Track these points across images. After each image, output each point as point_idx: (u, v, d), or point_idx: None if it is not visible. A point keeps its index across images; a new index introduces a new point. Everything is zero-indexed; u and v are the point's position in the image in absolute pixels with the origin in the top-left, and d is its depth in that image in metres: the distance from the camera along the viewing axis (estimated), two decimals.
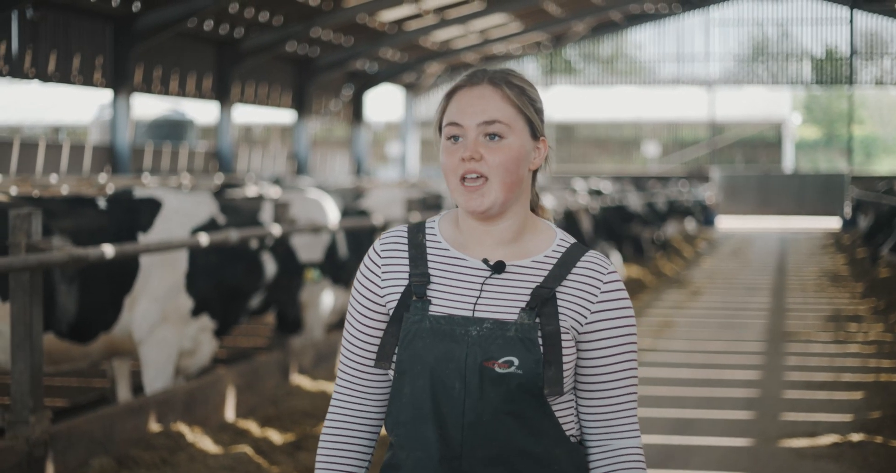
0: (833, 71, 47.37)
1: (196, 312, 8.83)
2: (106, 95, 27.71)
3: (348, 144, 43.91)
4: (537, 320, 3.03)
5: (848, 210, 42.36)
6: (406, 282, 3.11)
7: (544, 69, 50.80)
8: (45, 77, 24.32)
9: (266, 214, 10.99)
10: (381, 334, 3.15)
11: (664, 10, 47.36)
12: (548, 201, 18.47)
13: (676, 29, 48.93)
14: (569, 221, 18.44)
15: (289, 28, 31.23)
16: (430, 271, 3.11)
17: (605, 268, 3.11)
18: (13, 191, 13.71)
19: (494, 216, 3.10)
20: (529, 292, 3.06)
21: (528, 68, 51.14)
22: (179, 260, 8.78)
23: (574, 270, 3.09)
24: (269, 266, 9.33)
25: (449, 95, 3.14)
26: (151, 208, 8.89)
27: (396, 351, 3.07)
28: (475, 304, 3.06)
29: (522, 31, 42.75)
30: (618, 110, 53.20)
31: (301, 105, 36.57)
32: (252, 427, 8.84)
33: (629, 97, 52.54)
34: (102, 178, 20.56)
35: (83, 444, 7.35)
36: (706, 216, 39.27)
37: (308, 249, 11.15)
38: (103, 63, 25.99)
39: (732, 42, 48.84)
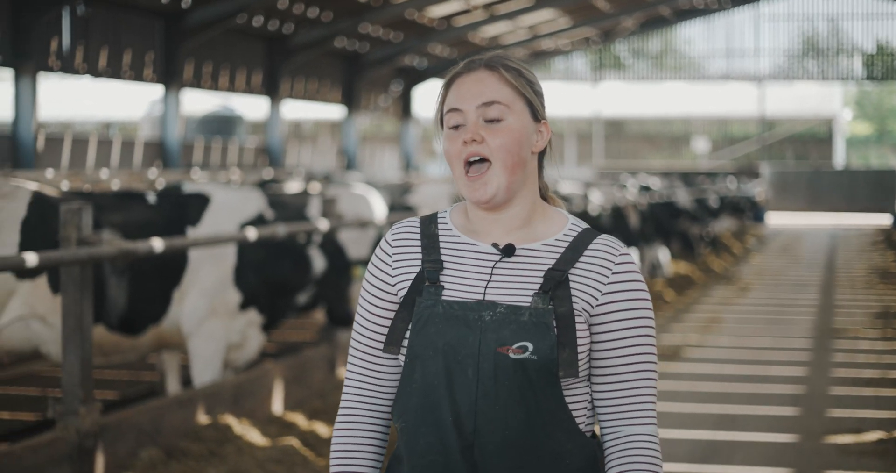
0: (884, 66, 47.10)
1: (244, 306, 8.92)
2: (156, 90, 27.94)
3: (397, 139, 44.03)
4: (551, 304, 2.99)
5: None
6: (418, 269, 3.09)
7: (593, 65, 50.76)
8: (96, 73, 24.56)
9: (313, 209, 11.08)
10: (389, 322, 3.13)
11: (713, 5, 47.20)
12: (595, 196, 18.50)
13: (726, 24, 48.78)
14: (616, 217, 18.43)
15: (338, 24, 31.36)
16: (443, 258, 3.09)
17: (616, 250, 3.07)
18: (65, 186, 13.86)
19: (501, 204, 3.07)
20: (541, 275, 3.03)
21: (577, 64, 51.12)
22: (227, 254, 8.87)
23: (586, 252, 3.05)
24: (318, 262, 9.40)
25: (447, 85, 3.13)
26: (200, 203, 9.00)
27: (408, 336, 3.04)
28: (486, 288, 3.02)
29: (571, 27, 42.72)
30: (667, 106, 53.04)
31: (350, 101, 36.70)
32: (299, 419, 8.92)
33: (678, 93, 52.39)
34: (153, 173, 20.74)
35: (132, 435, 7.46)
36: (756, 213, 39.11)
37: (355, 244, 11.23)
38: (154, 59, 26.21)
39: (782, 37, 48.66)
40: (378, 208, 12.13)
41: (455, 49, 41.24)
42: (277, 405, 9.29)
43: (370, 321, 3.15)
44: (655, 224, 21.07)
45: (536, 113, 3.12)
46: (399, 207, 13.58)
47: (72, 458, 6.82)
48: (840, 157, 53.67)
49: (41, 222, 7.90)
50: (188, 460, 7.55)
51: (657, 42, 50.87)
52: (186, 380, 9.91)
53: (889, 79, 47.62)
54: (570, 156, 53.03)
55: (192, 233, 8.82)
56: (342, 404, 3.19)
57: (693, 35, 49.74)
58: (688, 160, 53.22)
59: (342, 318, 9.75)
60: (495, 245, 3.06)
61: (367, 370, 3.17)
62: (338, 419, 3.19)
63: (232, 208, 9.08)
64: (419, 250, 3.12)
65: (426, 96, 46.37)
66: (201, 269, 8.73)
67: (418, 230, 3.15)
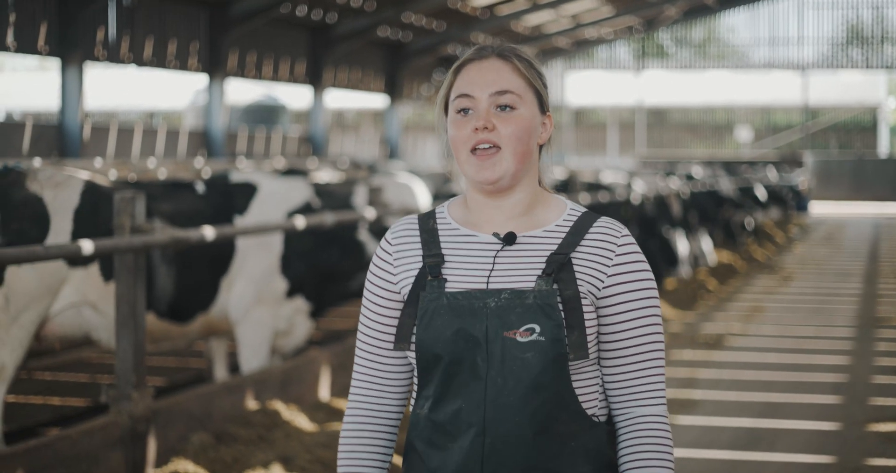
0: None
1: (290, 293, 9.04)
2: (201, 80, 28.14)
3: None
4: (555, 286, 3.00)
5: None
6: (419, 265, 3.10)
7: (636, 53, 50.67)
8: (141, 62, 24.78)
9: (359, 198, 11.18)
10: (395, 321, 3.15)
11: None
12: (638, 185, 18.53)
13: (770, 12, 48.61)
14: (659, 205, 18.45)
15: (381, 13, 31.47)
16: (444, 251, 3.09)
17: (618, 232, 3.09)
18: (112, 175, 14.02)
19: (504, 189, 3.08)
20: (543, 260, 3.03)
21: (620, 52, 51.04)
22: (274, 243, 8.99)
23: (587, 235, 3.07)
24: (372, 247, 9.46)
25: (457, 70, 3.12)
26: (247, 191, 9.12)
27: (415, 331, 3.05)
28: (489, 276, 3.03)
29: (614, 15, 42.69)
30: (710, 95, 52.88)
31: (393, 90, 36.82)
32: (345, 406, 9.03)
33: (722, 81, 52.23)
34: (199, 162, 20.91)
35: (183, 420, 7.59)
36: (799, 202, 38.97)
37: None
38: (198, 49, 26.40)
39: (827, 25, 48.44)
40: (422, 196, 12.23)
41: (498, 38, 41.26)
42: (324, 392, 9.41)
43: (374, 320, 3.18)
44: (699, 213, 21.08)
45: (544, 105, 3.14)
46: (444, 195, 13.68)
47: (125, 442, 6.96)
48: (884, 145, 53.37)
49: (93, 210, 8.04)
50: (237, 444, 7.67)
51: (700, 30, 50.75)
52: (233, 367, 10.05)
53: None
54: (613, 145, 52.95)
55: (240, 222, 8.94)
56: (349, 402, 3.22)
57: (736, 23, 49.60)
58: (730, 149, 53.05)
59: None
60: (496, 234, 3.08)
61: (373, 369, 3.19)
62: (345, 417, 3.21)
63: (279, 196, 9.19)
64: (419, 246, 3.13)
65: None
66: (248, 257, 8.86)
67: (417, 227, 3.16)
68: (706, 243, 19.93)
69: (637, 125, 52.52)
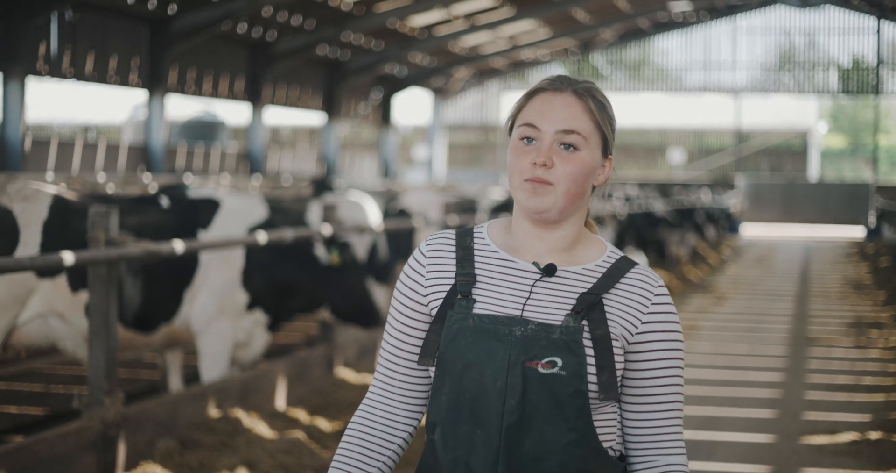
0: (859, 80, 47.66)
1: (250, 306, 9.30)
2: (141, 95, 28.24)
3: (376, 146, 44.35)
4: (584, 323, 2.98)
5: (872, 220, 42.63)
6: (451, 282, 3.07)
7: (571, 75, 51.09)
8: (82, 77, 24.87)
9: (313, 215, 11.45)
10: (419, 334, 3.12)
11: (691, 17, 47.68)
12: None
13: (703, 37, 49.26)
14: (598, 224, 18.78)
15: (321, 32, 31.70)
16: (477, 272, 3.06)
17: (655, 281, 3.08)
18: (62, 189, 14.17)
19: (550, 222, 3.06)
20: (577, 297, 3.03)
21: (556, 74, 51.45)
22: (236, 257, 9.25)
23: (623, 280, 3.05)
24: (326, 258, 9.65)
25: (529, 96, 3.09)
26: (210, 207, 9.38)
27: (439, 349, 3.04)
28: (524, 305, 3.01)
29: (551, 38, 43.09)
30: (644, 117, 53.36)
31: (331, 108, 37.02)
32: (301, 415, 9.34)
33: (655, 104, 52.79)
34: (147, 178, 21.07)
35: (150, 426, 7.84)
36: (730, 224, 39.55)
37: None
38: (139, 64, 26.51)
39: (759, 50, 49.18)
40: (373, 214, 12.52)
41: (435, 58, 41.62)
42: (280, 401, 9.69)
43: (399, 330, 3.15)
44: (636, 234, 21.44)
45: (608, 149, 3.12)
46: (392, 211, 14.00)
47: (97, 446, 7.20)
48: (814, 170, 54.19)
49: (61, 223, 8.28)
50: (202, 450, 7.94)
51: (635, 53, 51.33)
52: (188, 378, 10.31)
53: (864, 93, 48.17)
54: None
55: (204, 236, 9.19)
56: (362, 406, 3.19)
57: (671, 47, 50.21)
58: (663, 171, 53.66)
59: (363, 315, 9.77)
60: (536, 264, 3.06)
61: (391, 379, 3.17)
62: (353, 419, 3.18)
63: (241, 212, 9.46)
64: (454, 262, 3.11)
65: (405, 104, 46.74)
66: (211, 270, 9.12)
67: (454, 243, 3.14)
68: (641, 261, 20.27)
69: None
